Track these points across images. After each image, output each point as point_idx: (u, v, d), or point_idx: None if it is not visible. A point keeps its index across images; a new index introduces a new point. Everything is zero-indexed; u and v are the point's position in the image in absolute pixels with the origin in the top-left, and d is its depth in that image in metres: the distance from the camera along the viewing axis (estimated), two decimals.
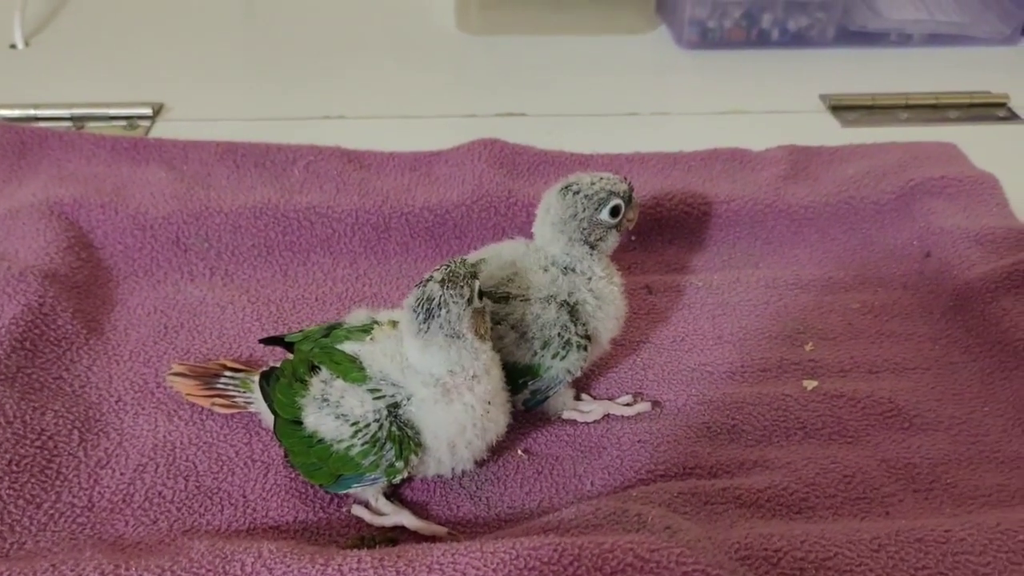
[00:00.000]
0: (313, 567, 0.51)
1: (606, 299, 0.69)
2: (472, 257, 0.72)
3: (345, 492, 0.62)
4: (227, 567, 0.52)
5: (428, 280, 0.58)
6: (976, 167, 0.97)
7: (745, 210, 0.91)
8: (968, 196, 0.93)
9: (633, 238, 0.91)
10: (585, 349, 0.67)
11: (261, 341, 0.71)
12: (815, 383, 0.74)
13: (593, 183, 0.68)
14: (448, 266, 0.59)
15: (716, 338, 0.80)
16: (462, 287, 0.58)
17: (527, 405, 0.68)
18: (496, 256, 0.70)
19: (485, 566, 0.51)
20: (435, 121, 1.11)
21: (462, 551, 0.52)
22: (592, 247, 0.68)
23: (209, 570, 0.52)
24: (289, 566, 0.51)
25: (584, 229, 0.67)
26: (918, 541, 0.56)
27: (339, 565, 0.51)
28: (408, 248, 0.88)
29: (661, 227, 0.91)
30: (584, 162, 0.98)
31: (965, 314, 0.81)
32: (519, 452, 0.67)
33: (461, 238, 0.89)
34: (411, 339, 0.59)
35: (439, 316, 0.57)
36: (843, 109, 1.15)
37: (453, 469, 0.63)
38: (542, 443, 0.68)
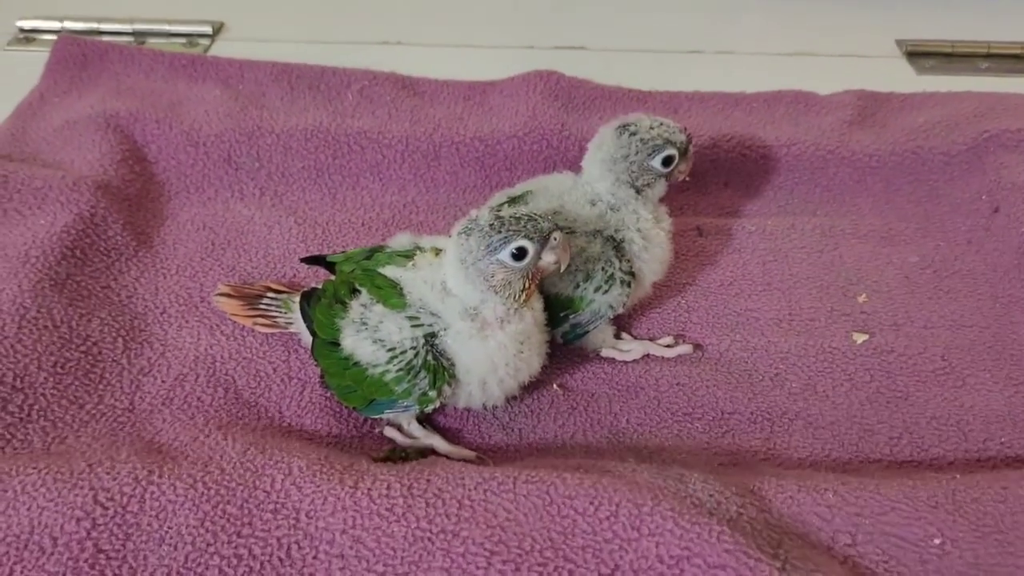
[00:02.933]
0: (343, 488, 0.52)
1: (652, 241, 0.67)
2: (519, 188, 0.71)
3: (377, 416, 0.62)
4: (257, 482, 0.52)
5: (497, 210, 0.58)
6: None
7: (806, 155, 0.88)
8: None
9: (688, 179, 0.88)
10: (629, 285, 0.65)
11: (303, 260, 0.71)
12: (865, 336, 0.72)
13: (652, 127, 0.66)
14: (520, 215, 0.57)
15: (765, 284, 0.78)
16: (495, 234, 0.57)
17: (566, 339, 0.67)
18: (543, 189, 0.69)
19: (517, 509, 0.51)
20: (492, 51, 1.09)
21: (495, 489, 0.52)
22: (638, 191, 0.67)
23: (240, 484, 0.52)
24: (319, 486, 0.52)
25: (633, 172, 0.66)
26: (975, 501, 0.54)
27: (368, 489, 0.52)
28: (458, 177, 0.87)
29: (717, 169, 0.88)
30: (642, 99, 0.95)
31: None
32: (555, 387, 0.67)
33: (512, 170, 0.88)
34: (452, 264, 0.58)
35: (467, 241, 0.57)
36: (920, 55, 1.10)
37: (484, 404, 0.62)
38: (578, 379, 0.68)
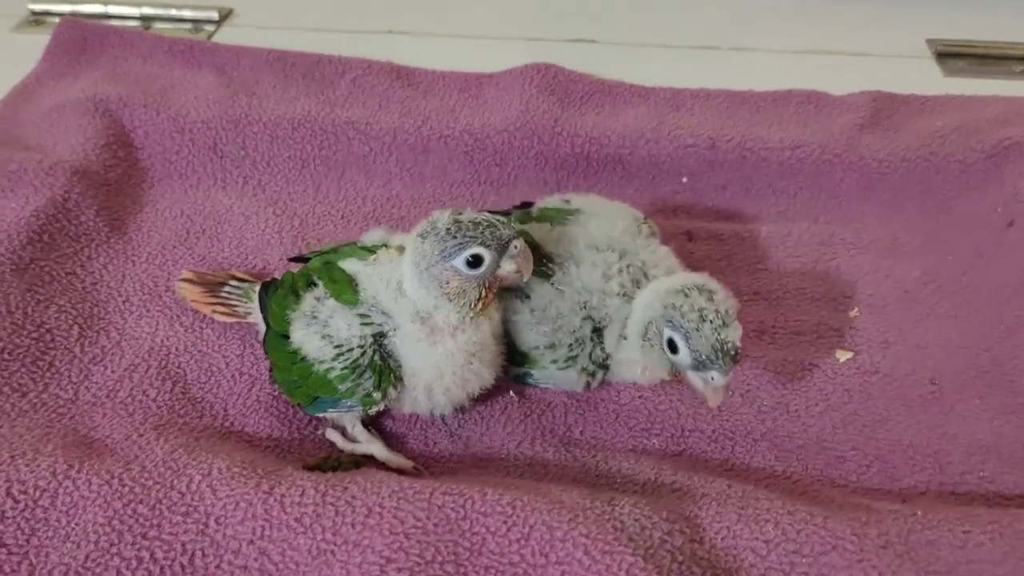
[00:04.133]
0: (257, 493, 0.50)
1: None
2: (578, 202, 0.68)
3: (321, 415, 0.60)
4: (175, 481, 0.51)
5: (457, 214, 0.55)
6: None
7: (811, 159, 0.84)
8: None
9: (684, 180, 0.85)
10: (593, 375, 0.61)
11: (290, 259, 0.69)
12: (850, 354, 0.68)
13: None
14: (480, 220, 0.55)
15: (752, 294, 0.74)
16: (451, 238, 0.54)
17: (516, 379, 0.64)
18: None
19: (428, 519, 0.48)
20: (501, 43, 1.06)
21: (408, 498, 0.50)
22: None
23: (157, 482, 0.51)
24: (233, 488, 0.50)
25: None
26: (930, 544, 0.50)
27: (282, 495, 0.50)
28: (445, 172, 0.85)
29: (715, 171, 0.85)
30: (643, 95, 0.92)
31: None
32: (510, 393, 0.64)
33: (501, 165, 0.85)
34: (408, 266, 0.56)
35: (421, 244, 0.55)
36: (950, 56, 1.04)
37: (431, 411, 0.60)
38: (536, 388, 0.65)
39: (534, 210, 0.68)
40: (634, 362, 0.60)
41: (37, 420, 0.59)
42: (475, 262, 0.54)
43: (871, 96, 0.90)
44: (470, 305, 0.56)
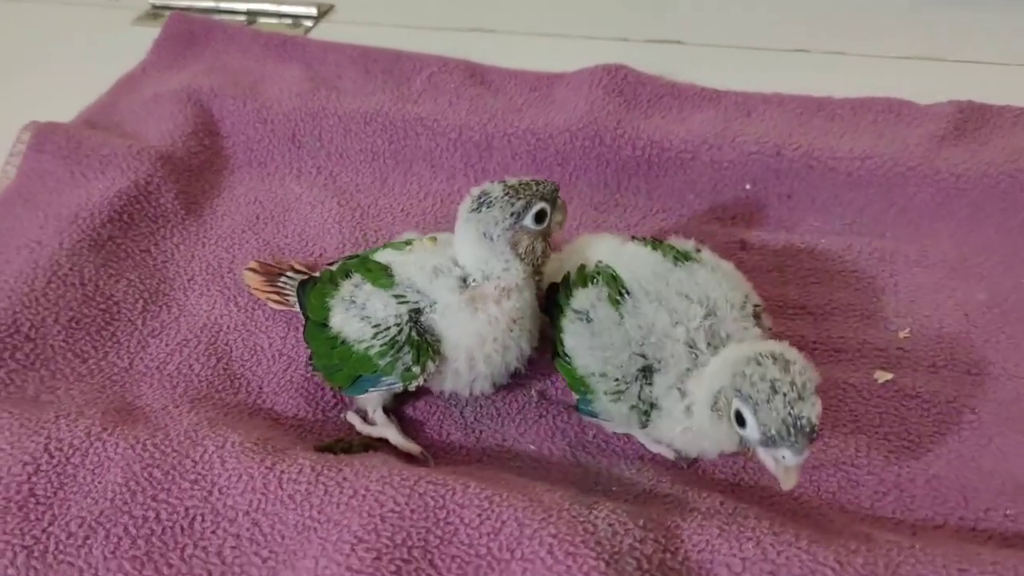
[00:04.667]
0: (259, 468, 0.53)
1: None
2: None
3: (361, 395, 0.63)
4: (191, 450, 0.55)
5: (502, 182, 0.60)
6: None
7: (881, 171, 0.80)
8: None
9: (748, 187, 0.84)
10: (647, 415, 0.56)
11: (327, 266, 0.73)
12: (889, 376, 0.65)
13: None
14: (527, 180, 0.60)
15: (799, 307, 0.72)
16: (516, 200, 0.59)
17: (580, 409, 0.61)
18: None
19: (406, 505, 0.50)
20: (586, 42, 1.07)
21: (395, 484, 0.51)
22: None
23: (176, 450, 0.55)
24: (240, 462, 0.54)
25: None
26: None
27: (281, 472, 0.53)
28: (508, 170, 0.87)
29: (780, 179, 0.83)
30: (713, 99, 0.90)
31: None
32: (533, 392, 0.65)
33: (563, 165, 0.86)
34: (458, 223, 0.60)
35: (482, 212, 0.59)
36: None
37: (471, 387, 0.62)
38: (560, 389, 0.66)
39: (652, 240, 0.64)
40: (677, 420, 0.55)
41: (92, 385, 0.65)
42: (540, 217, 0.59)
43: (957, 106, 0.86)
44: (538, 259, 0.61)
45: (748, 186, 0.84)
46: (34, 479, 0.53)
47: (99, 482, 0.53)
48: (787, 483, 0.49)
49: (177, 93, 0.91)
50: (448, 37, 1.08)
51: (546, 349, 0.64)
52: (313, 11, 1.12)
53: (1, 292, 0.68)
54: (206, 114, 0.90)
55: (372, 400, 0.63)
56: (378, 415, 0.63)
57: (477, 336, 0.59)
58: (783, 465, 0.49)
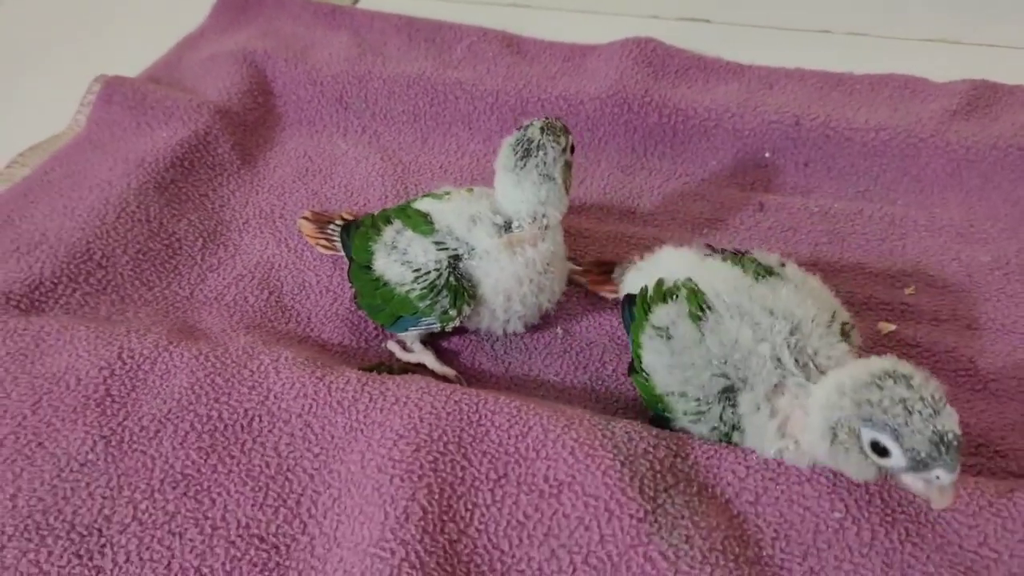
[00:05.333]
0: (310, 378, 0.59)
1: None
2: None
3: (402, 333, 0.68)
4: (248, 362, 0.61)
5: (529, 125, 0.65)
6: None
7: (895, 141, 0.85)
8: None
9: (767, 155, 0.88)
10: (727, 437, 0.55)
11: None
12: (892, 327, 0.70)
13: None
14: (546, 119, 0.66)
15: (810, 264, 0.76)
16: (559, 136, 0.65)
17: (655, 422, 0.60)
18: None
19: (442, 408, 0.56)
20: (617, 19, 1.12)
21: (431, 392, 0.57)
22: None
23: (235, 361, 0.61)
24: (292, 372, 0.60)
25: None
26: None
27: (330, 381, 0.59)
28: None
29: (798, 147, 0.87)
30: (738, 72, 0.95)
31: None
32: (558, 329, 0.70)
33: (592, 130, 0.91)
34: (506, 174, 0.65)
35: (536, 156, 0.64)
36: None
37: (505, 326, 0.68)
38: (583, 327, 0.71)
39: (733, 254, 0.63)
40: (769, 441, 0.53)
41: (157, 309, 0.71)
42: (573, 148, 0.67)
43: (971, 84, 0.90)
44: (570, 187, 0.67)
45: (767, 154, 0.88)
46: (109, 381, 0.60)
47: (167, 386, 0.60)
48: (943, 502, 0.46)
49: (234, 54, 0.97)
50: (486, 11, 1.13)
51: (571, 292, 0.70)
52: None
53: (75, 224, 0.74)
54: (260, 74, 0.96)
55: (411, 334, 0.69)
56: (416, 344, 0.69)
57: (515, 278, 0.64)
58: (937, 486, 0.46)
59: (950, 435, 0.45)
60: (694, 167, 0.89)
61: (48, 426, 0.57)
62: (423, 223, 0.66)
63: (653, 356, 0.57)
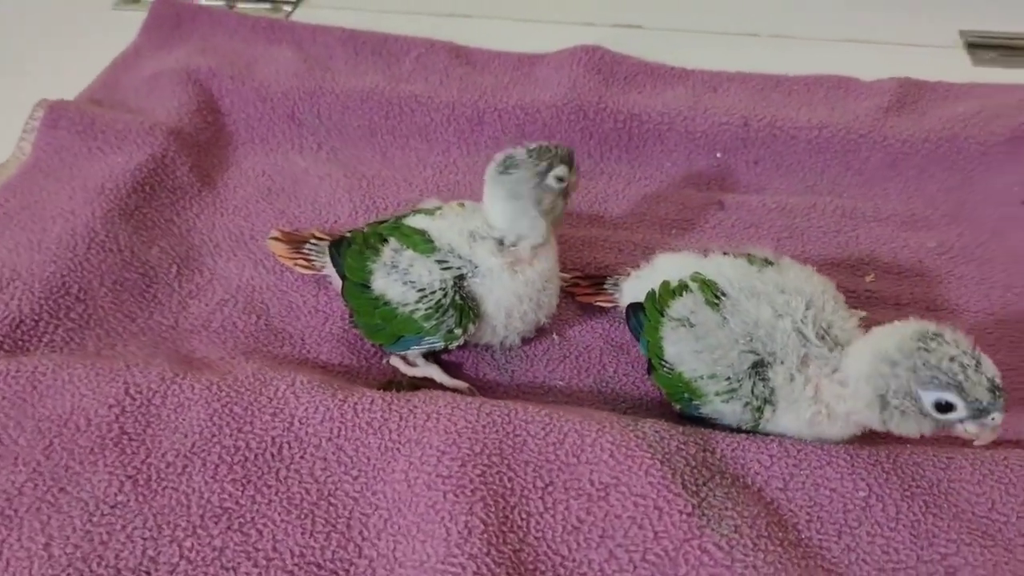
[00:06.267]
0: (333, 400, 0.59)
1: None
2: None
3: (403, 352, 0.68)
4: (263, 389, 0.60)
5: (523, 146, 0.66)
6: None
7: (837, 138, 0.90)
8: None
9: (719, 155, 0.92)
10: (760, 411, 0.57)
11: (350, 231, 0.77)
12: (862, 314, 0.74)
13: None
14: (546, 144, 0.66)
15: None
16: (541, 161, 0.64)
17: (683, 413, 0.62)
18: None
19: (477, 422, 0.57)
20: (553, 26, 1.14)
21: (461, 406, 0.58)
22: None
23: (248, 389, 0.60)
24: (313, 397, 0.59)
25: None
26: (916, 465, 0.57)
27: (355, 403, 0.59)
28: (499, 143, 0.93)
29: (747, 147, 0.92)
30: (683, 77, 0.99)
31: None
32: (554, 336, 0.72)
33: (549, 138, 0.93)
34: (487, 188, 0.66)
35: (509, 173, 0.64)
36: (980, 47, 1.09)
37: (503, 342, 0.69)
38: (576, 331, 0.73)
39: (738, 251, 0.67)
40: (804, 407, 0.56)
41: (145, 341, 0.69)
42: (561, 178, 0.65)
43: (898, 82, 0.97)
44: (557, 217, 0.67)
45: (719, 154, 0.92)
46: (122, 419, 0.58)
47: (183, 419, 0.58)
48: (988, 439, 0.52)
49: (177, 73, 0.94)
50: (423, 21, 1.13)
51: (561, 299, 0.72)
52: None
53: (46, 258, 0.71)
54: (206, 93, 0.94)
55: (413, 351, 0.69)
56: (419, 359, 0.69)
57: (515, 296, 0.65)
58: (991, 426, 0.51)
59: (997, 379, 0.50)
60: (651, 170, 0.92)
61: (67, 470, 0.55)
62: (422, 242, 0.66)
63: (677, 346, 0.60)
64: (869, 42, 1.11)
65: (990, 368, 0.50)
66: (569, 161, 0.66)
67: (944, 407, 0.51)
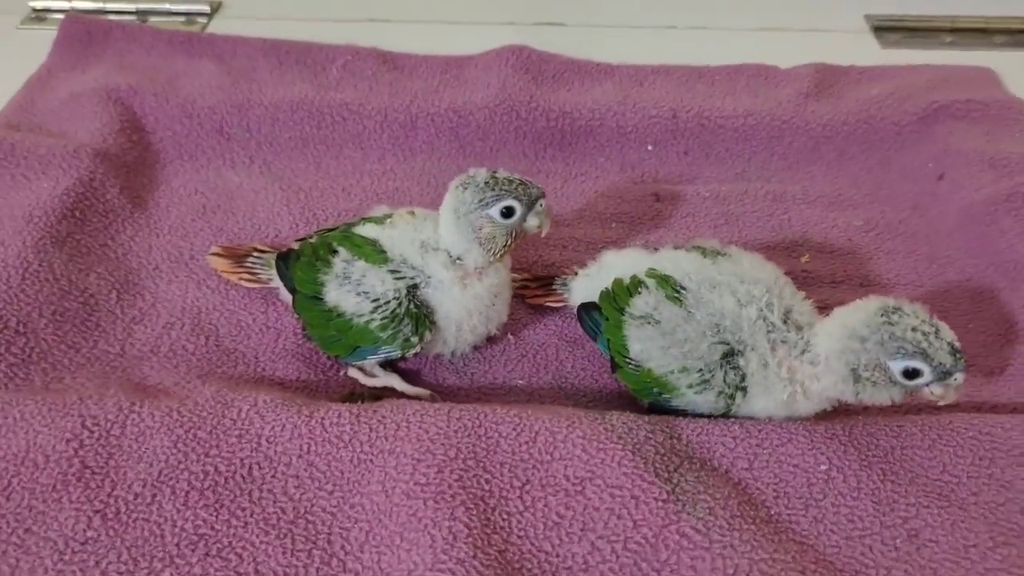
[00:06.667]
0: (299, 417, 0.58)
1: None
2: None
3: (359, 362, 0.68)
4: (226, 411, 0.59)
5: (493, 171, 0.64)
6: (1007, 92, 0.97)
7: (762, 125, 0.93)
8: (992, 121, 0.93)
9: (650, 147, 0.94)
10: (732, 398, 0.59)
11: (296, 240, 0.76)
12: (802, 294, 0.77)
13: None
14: (516, 179, 0.63)
15: None
16: (489, 191, 0.62)
17: (652, 408, 0.64)
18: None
19: (448, 427, 0.57)
20: (475, 28, 1.14)
21: (430, 413, 0.58)
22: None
23: (211, 413, 0.59)
24: (279, 415, 0.59)
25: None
26: (870, 435, 0.60)
27: (321, 418, 0.58)
28: (433, 147, 0.93)
29: (676, 138, 0.94)
30: (608, 72, 1.01)
31: (967, 235, 0.83)
32: (508, 336, 0.73)
33: (484, 140, 0.94)
34: (445, 213, 0.65)
35: (459, 191, 0.63)
36: (886, 30, 1.14)
37: (454, 352, 0.69)
38: (530, 331, 0.73)
39: (687, 244, 0.68)
40: (779, 390, 0.58)
41: (93, 372, 0.67)
42: (507, 213, 0.63)
43: (814, 68, 1.00)
44: (496, 250, 0.64)
45: (650, 147, 0.94)
46: (81, 453, 0.56)
47: (146, 448, 0.57)
48: (952, 398, 0.55)
49: (96, 92, 0.92)
50: (341, 28, 1.12)
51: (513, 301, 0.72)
52: (206, 7, 1.14)
53: None
54: (128, 112, 0.92)
55: (369, 361, 0.68)
56: (377, 369, 0.69)
57: (464, 310, 0.66)
58: (954, 386, 0.55)
59: (956, 342, 0.54)
60: (586, 166, 0.94)
61: (30, 510, 0.53)
62: (373, 252, 0.66)
63: (643, 343, 0.61)
64: (780, 29, 1.15)
65: (948, 333, 0.55)
66: (526, 200, 0.63)
67: (911, 373, 0.54)
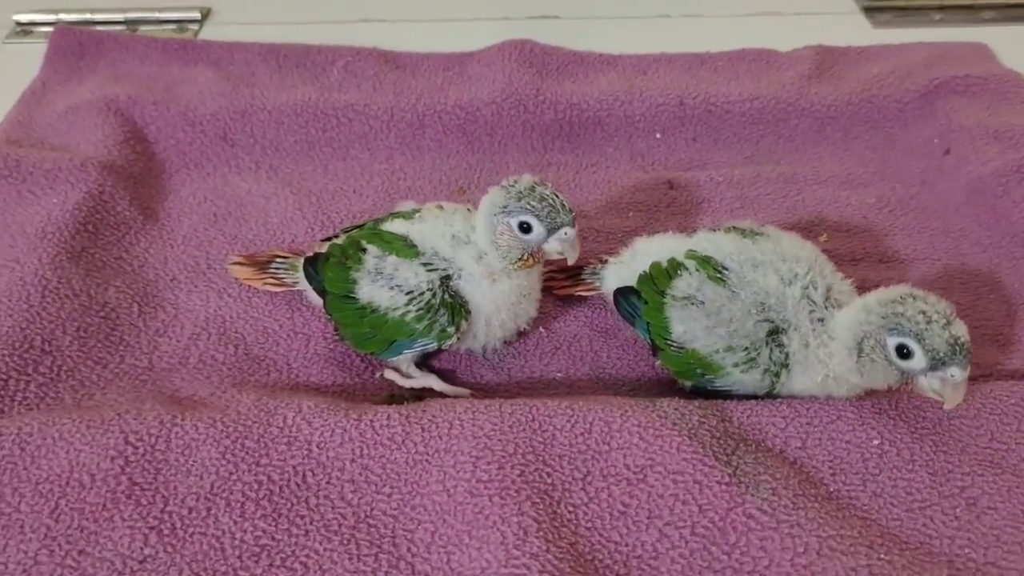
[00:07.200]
0: (347, 421, 0.57)
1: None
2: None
3: (396, 357, 0.67)
4: (271, 419, 0.58)
5: (543, 184, 0.62)
6: (1003, 66, 0.98)
7: (768, 109, 0.94)
8: (992, 94, 0.94)
9: (658, 135, 0.94)
10: (777, 376, 0.59)
11: (322, 240, 0.75)
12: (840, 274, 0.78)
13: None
14: (552, 197, 0.62)
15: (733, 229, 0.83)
16: (515, 200, 0.61)
17: (695, 389, 0.64)
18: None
19: (503, 423, 0.57)
20: (470, 24, 1.14)
21: (482, 410, 0.58)
22: None
23: (256, 422, 0.58)
24: (326, 420, 0.58)
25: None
26: (916, 408, 0.60)
27: (371, 420, 0.57)
28: (442, 144, 0.93)
29: (684, 125, 0.94)
30: (611, 62, 1.01)
31: (978, 207, 0.84)
32: (540, 330, 0.72)
33: (492, 135, 0.93)
34: (481, 207, 0.64)
35: (495, 193, 0.63)
36: (876, 10, 1.15)
37: (484, 347, 0.68)
38: (560, 323, 0.73)
39: (723, 226, 0.69)
40: (817, 370, 0.58)
41: (123, 387, 0.65)
42: (525, 229, 0.62)
43: (814, 50, 1.01)
44: (511, 259, 0.63)
45: (658, 135, 0.94)
46: (128, 469, 0.55)
47: (194, 461, 0.56)
48: (954, 400, 0.54)
49: (94, 104, 0.90)
50: (334, 29, 1.11)
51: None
52: (196, 14, 1.12)
53: (1, 311, 0.66)
54: (129, 122, 0.90)
55: (405, 359, 0.68)
56: (412, 370, 0.68)
57: (493, 304, 0.65)
58: (951, 383, 0.53)
59: (963, 339, 0.53)
60: (595, 156, 0.93)
61: (82, 531, 0.52)
62: (404, 247, 0.65)
63: (687, 324, 0.61)
64: (772, 14, 1.15)
65: (959, 330, 0.53)
66: (549, 222, 0.61)
67: (904, 353, 0.54)
